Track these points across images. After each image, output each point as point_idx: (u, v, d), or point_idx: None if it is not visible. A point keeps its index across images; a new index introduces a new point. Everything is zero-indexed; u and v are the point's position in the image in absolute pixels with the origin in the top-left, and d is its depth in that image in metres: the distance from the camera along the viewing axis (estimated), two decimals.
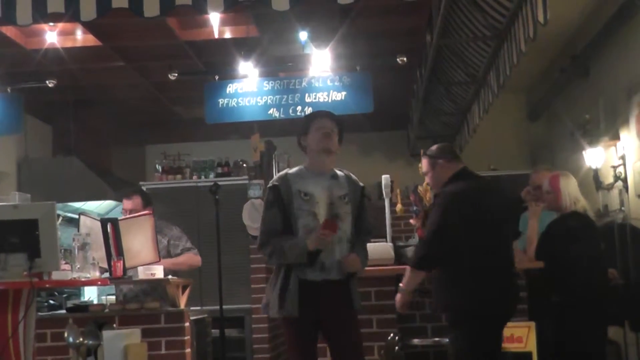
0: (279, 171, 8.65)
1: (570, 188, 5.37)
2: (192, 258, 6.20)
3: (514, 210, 4.97)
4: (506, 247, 4.66)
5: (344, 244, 4.34)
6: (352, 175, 4.55)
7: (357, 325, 4.39)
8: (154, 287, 5.85)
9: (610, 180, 8.59)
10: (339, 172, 4.51)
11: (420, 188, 5.69)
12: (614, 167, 8.45)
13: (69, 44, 8.50)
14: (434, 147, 4.87)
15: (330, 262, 4.29)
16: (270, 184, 4.46)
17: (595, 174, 8.80)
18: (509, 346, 5.19)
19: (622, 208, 8.26)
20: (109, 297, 6.63)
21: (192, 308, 6.16)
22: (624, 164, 8.30)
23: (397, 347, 2.45)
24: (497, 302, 4.47)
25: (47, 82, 8.70)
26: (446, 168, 4.71)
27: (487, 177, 5.23)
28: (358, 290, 4.44)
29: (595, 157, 8.75)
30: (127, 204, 6.19)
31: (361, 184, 4.54)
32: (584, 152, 8.92)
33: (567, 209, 5.35)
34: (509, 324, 5.23)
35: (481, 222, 4.50)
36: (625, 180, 8.26)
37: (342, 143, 4.52)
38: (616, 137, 8.49)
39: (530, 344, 5.16)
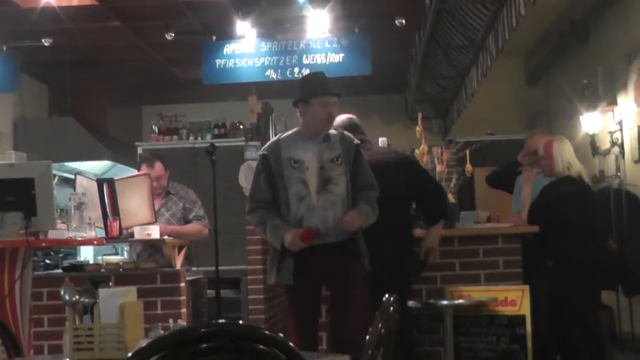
0: (276, 133, 8.64)
1: (563, 153, 5.33)
2: (199, 231, 6.18)
3: (420, 187, 4.88)
4: (388, 221, 4.56)
5: (337, 207, 4.26)
6: (345, 133, 4.47)
7: (361, 282, 4.31)
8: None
9: (607, 145, 8.59)
10: (332, 132, 4.42)
11: (417, 151, 5.67)
12: (611, 133, 8.45)
13: (65, 3, 8.43)
14: (339, 119, 4.87)
15: (324, 228, 4.24)
16: (260, 152, 4.43)
17: (592, 140, 8.80)
18: (503, 309, 5.23)
19: (618, 174, 8.28)
20: (105, 257, 6.64)
21: (193, 268, 6.19)
22: (621, 130, 8.29)
23: (391, 309, 2.46)
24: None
25: (43, 41, 8.64)
26: None
27: (393, 152, 5.11)
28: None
29: (593, 122, 8.75)
30: (151, 171, 6.07)
31: (356, 141, 4.44)
32: (581, 118, 8.91)
33: (561, 174, 5.32)
34: (503, 287, 5.27)
35: None
36: (621, 146, 8.27)
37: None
38: (614, 103, 8.47)
39: (524, 307, 5.19)
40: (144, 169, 6.13)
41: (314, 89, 4.41)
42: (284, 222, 4.27)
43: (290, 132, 4.49)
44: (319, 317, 4.47)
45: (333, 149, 4.35)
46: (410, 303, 5.09)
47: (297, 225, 4.24)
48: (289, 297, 4.36)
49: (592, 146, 8.79)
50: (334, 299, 4.36)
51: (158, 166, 6.15)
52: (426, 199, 4.98)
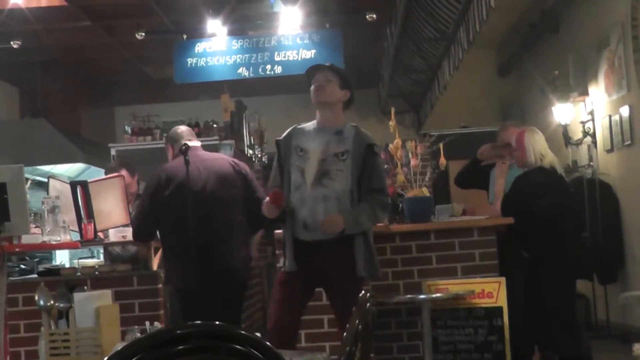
0: (249, 131, 8.63)
1: (535, 144, 5.35)
2: None
3: (248, 199, 5.00)
4: (208, 221, 4.77)
5: (330, 203, 4.13)
6: (362, 131, 4.34)
7: (356, 291, 4.15)
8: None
9: (579, 135, 8.66)
10: (350, 128, 4.32)
11: (391, 146, 5.67)
12: (583, 123, 8.51)
13: (33, 4, 8.35)
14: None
15: (313, 221, 4.13)
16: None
17: (565, 130, 8.86)
18: (480, 301, 5.25)
19: (591, 163, 8.34)
20: (81, 260, 6.59)
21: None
22: (593, 120, 8.36)
23: (368, 304, 2.46)
24: (182, 277, 4.73)
25: (11, 43, 8.55)
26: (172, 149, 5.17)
27: (215, 156, 5.30)
28: (370, 252, 4.22)
29: (564, 113, 8.80)
30: None
31: (370, 141, 4.27)
32: (553, 108, 8.97)
33: (533, 165, 5.35)
34: (479, 280, 5.29)
35: (175, 197, 4.78)
36: (593, 136, 8.33)
37: (350, 91, 4.34)
38: (585, 93, 8.54)
39: (501, 299, 5.22)
40: None
41: (307, 73, 4.39)
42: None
43: (309, 123, 4.42)
44: (301, 311, 4.31)
45: (343, 143, 4.24)
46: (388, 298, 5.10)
47: (290, 214, 4.19)
48: (280, 283, 4.28)
49: (564, 136, 8.85)
50: (335, 306, 4.27)
51: (124, 174, 6.10)
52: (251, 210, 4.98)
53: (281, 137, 4.38)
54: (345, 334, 2.40)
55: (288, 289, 4.23)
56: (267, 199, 4.19)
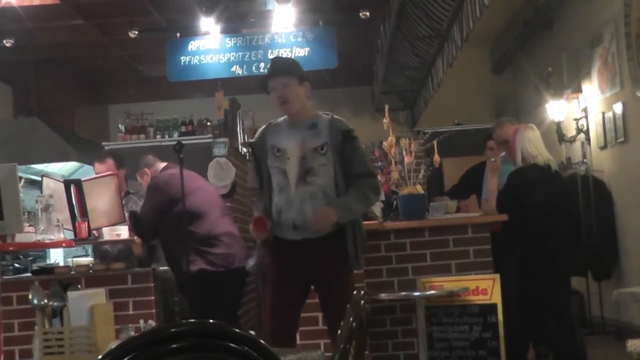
0: (243, 129, 8.62)
1: (525, 144, 5.35)
2: None
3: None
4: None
5: (317, 200, 4.03)
6: (336, 119, 4.18)
7: (348, 283, 4.08)
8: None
9: (573, 132, 8.67)
10: (323, 118, 4.18)
11: (385, 143, 5.67)
12: (577, 120, 8.52)
13: (26, 3, 8.33)
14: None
15: (301, 221, 4.03)
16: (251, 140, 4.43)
17: (558, 127, 8.87)
18: (474, 298, 5.26)
19: (585, 160, 8.35)
20: (75, 259, 6.57)
21: (161, 268, 6.15)
22: (586, 117, 8.37)
23: (363, 301, 2.46)
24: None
25: (4, 41, 8.53)
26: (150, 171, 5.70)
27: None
28: (361, 241, 4.13)
29: (558, 110, 8.82)
30: (100, 167, 5.98)
31: (345, 128, 4.12)
32: (547, 105, 8.98)
33: (520, 164, 5.36)
34: (474, 277, 5.30)
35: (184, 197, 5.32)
36: (587, 133, 8.34)
37: (307, 79, 4.23)
38: (578, 90, 8.55)
39: (495, 296, 5.23)
40: (96, 166, 6.07)
41: (265, 78, 4.26)
42: (265, 211, 4.14)
43: (281, 118, 4.30)
44: (296, 313, 4.21)
45: (319, 136, 4.11)
46: (383, 295, 5.10)
47: (277, 216, 4.09)
48: (273, 288, 4.19)
49: (558, 133, 8.86)
50: (320, 301, 4.20)
51: (108, 162, 6.04)
52: None
53: (255, 139, 4.28)
54: (339, 331, 2.40)
55: (283, 292, 4.15)
56: (251, 226, 4.09)
